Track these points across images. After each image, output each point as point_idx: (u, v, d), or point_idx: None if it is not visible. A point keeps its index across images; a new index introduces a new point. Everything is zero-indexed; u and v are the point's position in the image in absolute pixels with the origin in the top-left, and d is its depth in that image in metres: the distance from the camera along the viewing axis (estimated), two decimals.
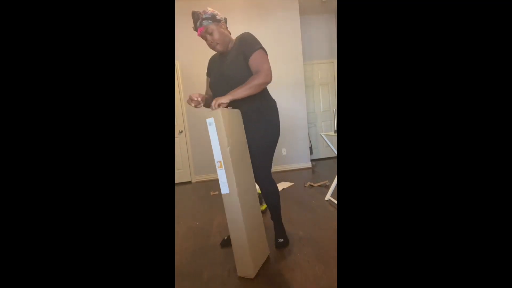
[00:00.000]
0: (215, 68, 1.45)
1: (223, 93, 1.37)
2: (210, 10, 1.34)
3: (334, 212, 1.99)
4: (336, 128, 2.61)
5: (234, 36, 3.70)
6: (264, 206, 2.16)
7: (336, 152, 2.92)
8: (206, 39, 1.36)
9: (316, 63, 4.44)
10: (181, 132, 3.78)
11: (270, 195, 1.45)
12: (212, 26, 1.33)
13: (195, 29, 1.35)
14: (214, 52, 3.88)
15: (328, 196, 2.28)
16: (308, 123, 4.11)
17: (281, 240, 1.51)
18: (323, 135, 2.76)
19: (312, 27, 4.38)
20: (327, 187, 2.68)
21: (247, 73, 1.32)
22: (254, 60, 1.29)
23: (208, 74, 1.51)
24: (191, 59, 3.65)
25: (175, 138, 3.75)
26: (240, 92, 1.23)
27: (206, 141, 3.78)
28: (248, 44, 1.32)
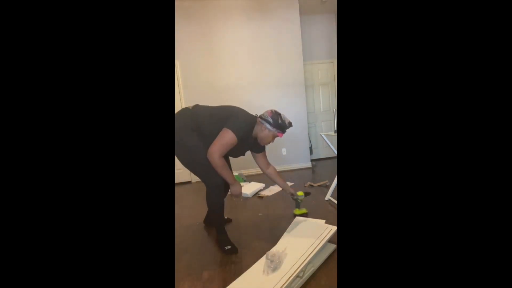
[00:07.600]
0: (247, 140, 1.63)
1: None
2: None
3: (334, 212, 1.99)
4: (336, 128, 2.60)
5: (232, 36, 3.70)
6: (304, 211, 2.03)
7: (336, 152, 2.92)
8: (270, 140, 1.59)
9: (316, 63, 4.44)
10: None
11: None
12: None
13: (282, 132, 1.55)
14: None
15: (328, 196, 2.28)
16: (308, 123, 4.10)
17: (228, 247, 1.56)
18: (323, 135, 2.76)
19: (312, 27, 4.37)
20: (327, 187, 2.68)
21: None
22: None
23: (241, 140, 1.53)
24: (191, 59, 3.65)
25: None
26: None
27: None
28: None
